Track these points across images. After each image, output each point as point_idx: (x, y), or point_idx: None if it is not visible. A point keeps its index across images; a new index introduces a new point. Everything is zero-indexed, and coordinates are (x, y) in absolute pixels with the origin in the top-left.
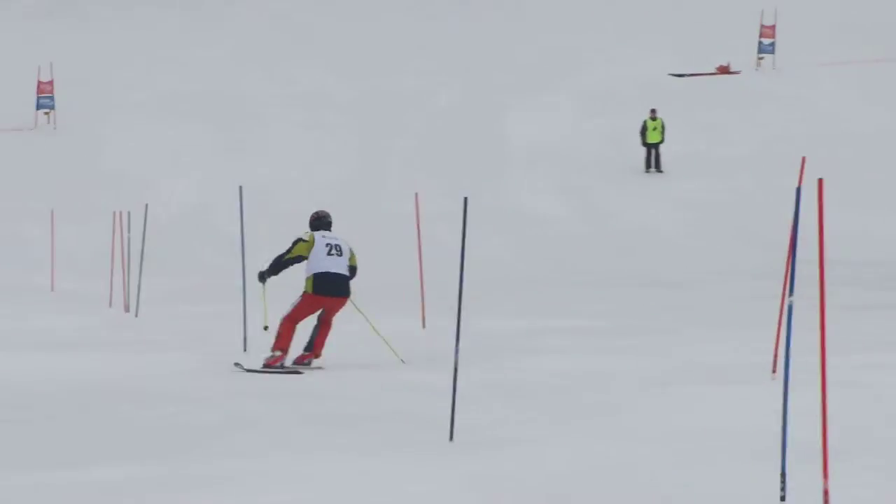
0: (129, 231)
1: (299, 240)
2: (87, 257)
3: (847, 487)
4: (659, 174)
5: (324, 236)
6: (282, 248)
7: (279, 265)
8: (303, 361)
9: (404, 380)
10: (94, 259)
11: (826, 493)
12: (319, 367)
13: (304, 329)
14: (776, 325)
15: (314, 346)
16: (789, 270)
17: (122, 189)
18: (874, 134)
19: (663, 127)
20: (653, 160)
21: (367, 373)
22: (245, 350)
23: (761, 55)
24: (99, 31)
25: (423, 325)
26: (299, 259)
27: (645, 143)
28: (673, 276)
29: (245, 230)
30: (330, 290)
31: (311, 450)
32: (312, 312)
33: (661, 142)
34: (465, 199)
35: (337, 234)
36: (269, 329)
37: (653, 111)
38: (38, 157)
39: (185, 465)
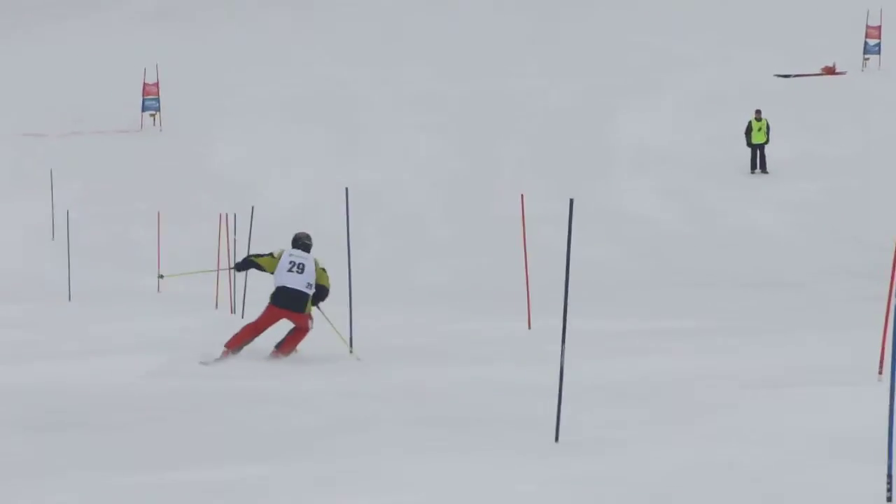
0: (234, 233)
1: (271, 254)
2: (192, 259)
3: None
4: (764, 175)
5: (291, 254)
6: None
7: (246, 264)
8: (272, 354)
9: (510, 381)
10: (200, 260)
11: None
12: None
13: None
14: (882, 327)
15: (281, 345)
16: (895, 271)
17: (227, 190)
18: None
19: (768, 128)
20: (758, 161)
21: (472, 372)
22: (351, 352)
23: (867, 56)
24: (204, 32)
25: (529, 327)
26: (262, 268)
27: (750, 144)
28: (778, 277)
29: (352, 231)
30: (284, 303)
31: (418, 451)
32: (271, 323)
33: (766, 142)
34: (571, 200)
35: (313, 255)
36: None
37: (758, 112)
38: (144, 158)
39: (290, 466)
